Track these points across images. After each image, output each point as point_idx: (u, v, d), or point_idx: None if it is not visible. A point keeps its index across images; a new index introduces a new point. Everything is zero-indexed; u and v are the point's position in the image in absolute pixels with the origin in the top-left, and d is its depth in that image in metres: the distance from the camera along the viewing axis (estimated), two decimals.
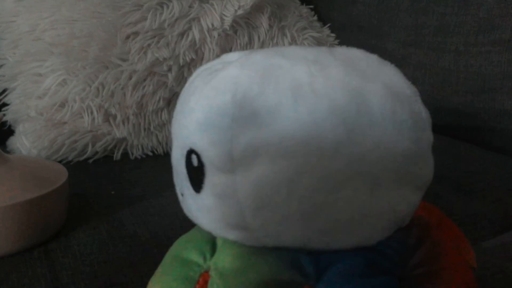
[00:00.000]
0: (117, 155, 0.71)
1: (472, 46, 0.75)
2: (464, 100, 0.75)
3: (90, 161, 0.70)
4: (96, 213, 0.53)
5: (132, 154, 0.72)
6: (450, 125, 0.74)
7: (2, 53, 0.74)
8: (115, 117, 0.71)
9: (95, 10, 0.71)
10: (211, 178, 0.23)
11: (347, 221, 0.23)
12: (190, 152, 0.24)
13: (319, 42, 0.85)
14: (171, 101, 0.73)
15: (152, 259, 0.45)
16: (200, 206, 0.25)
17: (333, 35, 0.92)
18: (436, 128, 0.75)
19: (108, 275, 0.42)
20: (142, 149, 0.73)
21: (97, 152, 0.71)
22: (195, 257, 0.26)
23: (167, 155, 0.73)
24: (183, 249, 0.27)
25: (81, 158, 0.70)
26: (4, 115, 0.72)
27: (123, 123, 0.71)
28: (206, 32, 0.73)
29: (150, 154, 0.73)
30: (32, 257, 0.45)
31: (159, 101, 0.72)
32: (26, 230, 0.46)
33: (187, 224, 0.51)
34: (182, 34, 0.73)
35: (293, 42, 0.81)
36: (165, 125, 0.73)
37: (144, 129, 0.72)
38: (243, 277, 0.23)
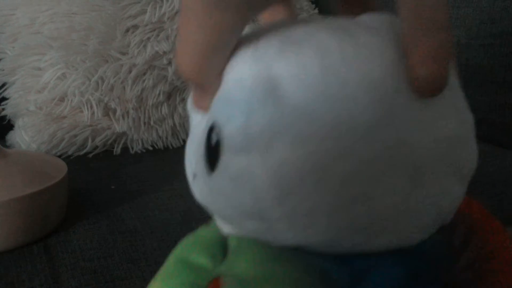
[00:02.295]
0: (117, 150, 0.71)
1: (474, 39, 0.74)
2: (466, 92, 0.75)
3: (90, 155, 0.70)
4: (96, 208, 0.53)
5: (132, 148, 0.72)
6: None
7: (1, 47, 0.73)
8: (114, 111, 0.70)
9: (94, 3, 0.71)
10: (227, 158, 0.20)
11: (384, 217, 0.20)
12: (212, 127, 0.21)
13: None
14: (171, 95, 0.73)
15: (152, 254, 0.44)
16: (211, 189, 0.21)
17: None
18: None
19: (108, 270, 0.42)
20: (142, 143, 0.72)
21: (97, 147, 0.70)
22: (203, 260, 0.23)
23: (167, 150, 0.73)
24: (189, 251, 0.24)
25: (81, 153, 0.70)
26: (3, 109, 0.72)
27: (123, 117, 0.70)
28: None
29: (150, 148, 0.73)
30: (31, 252, 0.45)
31: (159, 95, 0.71)
32: (25, 225, 0.45)
33: (188, 219, 0.51)
34: None
35: None
36: (165, 119, 0.73)
37: (144, 123, 0.72)
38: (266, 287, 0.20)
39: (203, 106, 0.22)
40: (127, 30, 0.71)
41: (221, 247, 0.23)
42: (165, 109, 0.72)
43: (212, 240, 0.24)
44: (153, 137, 0.73)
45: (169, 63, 0.71)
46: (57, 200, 0.48)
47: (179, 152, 0.71)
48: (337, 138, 0.19)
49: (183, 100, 0.73)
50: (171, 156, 0.70)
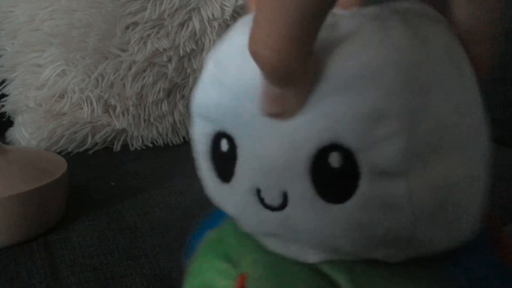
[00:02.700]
0: (117, 147, 0.71)
1: None
2: None
3: (90, 152, 0.70)
4: (96, 204, 0.53)
5: (132, 145, 0.72)
6: None
7: (0, 43, 0.73)
8: (114, 108, 0.70)
9: (94, 0, 0.71)
10: (370, 185, 0.17)
11: None
12: (329, 148, 0.17)
13: None
14: (171, 92, 0.73)
15: (152, 251, 0.44)
16: (339, 221, 0.18)
17: None
18: None
19: (108, 267, 0.42)
20: (142, 140, 0.72)
21: (96, 143, 0.70)
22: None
23: (167, 147, 0.73)
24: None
25: (81, 149, 0.69)
26: (3, 106, 0.72)
27: (123, 114, 0.70)
28: (206, 23, 0.73)
29: (150, 145, 0.73)
30: (31, 249, 0.45)
31: (159, 92, 0.71)
32: (25, 222, 0.45)
33: (188, 216, 0.51)
34: (182, 25, 0.72)
35: None
36: (165, 116, 0.73)
37: (144, 120, 0.72)
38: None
39: (281, 110, 0.17)
40: (127, 27, 0.70)
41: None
42: (165, 106, 0.72)
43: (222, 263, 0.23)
44: (153, 134, 0.73)
45: (169, 60, 0.71)
46: (56, 197, 0.48)
47: (179, 149, 0.71)
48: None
49: (183, 97, 0.73)
50: (171, 153, 0.70)
